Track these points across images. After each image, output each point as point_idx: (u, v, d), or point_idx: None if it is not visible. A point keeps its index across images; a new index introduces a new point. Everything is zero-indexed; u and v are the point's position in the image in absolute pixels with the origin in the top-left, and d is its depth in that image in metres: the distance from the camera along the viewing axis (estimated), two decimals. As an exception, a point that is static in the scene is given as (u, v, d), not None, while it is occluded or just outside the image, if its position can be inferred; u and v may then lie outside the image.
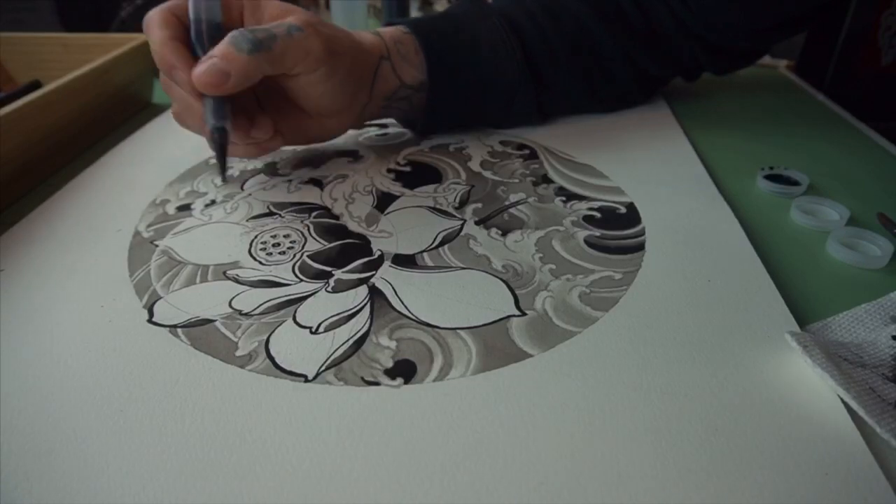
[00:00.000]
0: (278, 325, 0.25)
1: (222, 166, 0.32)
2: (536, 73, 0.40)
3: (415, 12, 0.73)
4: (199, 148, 0.41)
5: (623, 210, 0.33)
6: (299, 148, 0.40)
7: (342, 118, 0.36)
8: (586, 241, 0.30)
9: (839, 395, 0.21)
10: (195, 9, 0.30)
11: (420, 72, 0.37)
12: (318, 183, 0.36)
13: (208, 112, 0.30)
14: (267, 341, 0.24)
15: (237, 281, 0.28)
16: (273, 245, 0.30)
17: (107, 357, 0.23)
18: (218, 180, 0.36)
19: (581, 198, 0.34)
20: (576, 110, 0.44)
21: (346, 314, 0.25)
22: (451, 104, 0.39)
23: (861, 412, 0.20)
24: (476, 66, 0.38)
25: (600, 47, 0.41)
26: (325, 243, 0.30)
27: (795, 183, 0.35)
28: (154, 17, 0.30)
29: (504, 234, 0.31)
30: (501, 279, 0.27)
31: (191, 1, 0.31)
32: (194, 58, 0.30)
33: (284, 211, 0.33)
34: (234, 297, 0.26)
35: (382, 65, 0.36)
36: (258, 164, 0.39)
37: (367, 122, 0.41)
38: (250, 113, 0.33)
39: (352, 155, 0.39)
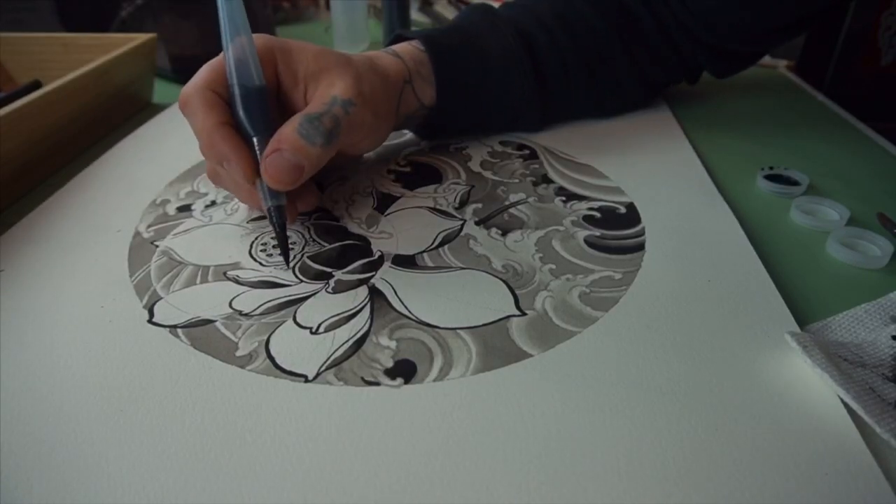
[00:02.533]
0: (278, 326, 0.25)
1: (284, 246, 0.28)
2: (544, 86, 0.40)
3: (415, 13, 0.73)
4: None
5: (623, 210, 0.33)
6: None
7: (372, 146, 0.37)
8: (586, 241, 0.30)
9: (839, 396, 0.21)
10: (239, 80, 0.28)
11: (433, 90, 0.37)
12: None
13: (264, 193, 0.28)
14: (267, 341, 0.24)
15: (237, 282, 0.28)
16: (273, 246, 0.30)
17: (107, 357, 0.23)
18: (279, 261, 0.30)
19: (581, 198, 0.34)
20: (578, 117, 0.44)
21: (346, 314, 0.25)
22: (456, 120, 0.40)
23: (861, 412, 0.20)
24: (486, 85, 0.38)
25: (611, 56, 0.41)
26: (326, 244, 0.30)
27: (795, 183, 0.35)
28: (195, 100, 0.28)
29: (504, 234, 0.31)
30: (501, 279, 0.27)
31: (232, 74, 0.28)
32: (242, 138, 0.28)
33: (284, 211, 0.33)
34: (234, 298, 0.26)
35: (405, 89, 0.36)
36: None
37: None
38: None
39: (352, 155, 0.39)
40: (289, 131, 0.27)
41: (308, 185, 0.31)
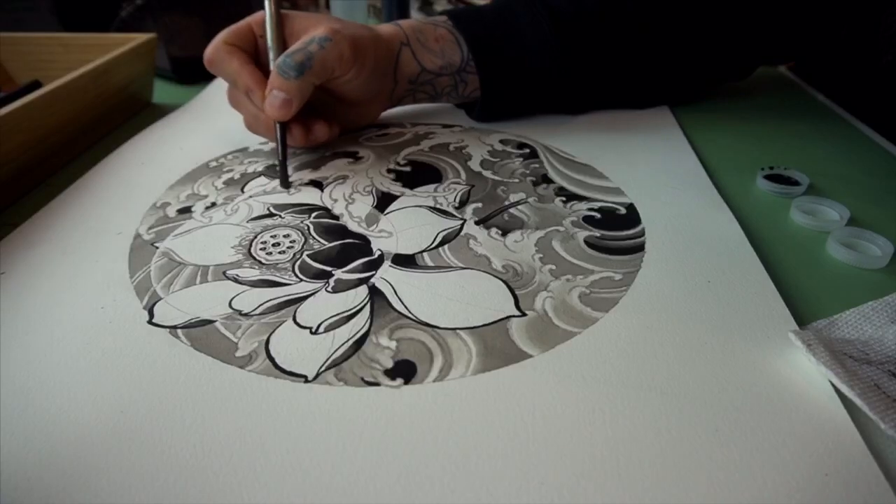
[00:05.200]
0: (278, 326, 0.25)
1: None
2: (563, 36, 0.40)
3: (414, 12, 0.73)
4: (199, 151, 0.41)
5: (623, 211, 0.33)
6: (299, 149, 0.40)
7: (377, 102, 0.41)
8: (586, 242, 0.30)
9: (842, 393, 0.21)
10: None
11: (439, 57, 0.39)
12: (318, 184, 0.36)
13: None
14: (267, 342, 0.24)
15: (237, 281, 0.28)
16: (273, 245, 0.30)
17: (107, 358, 0.23)
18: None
19: (581, 198, 0.34)
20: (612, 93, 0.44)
21: (346, 314, 0.25)
22: (499, 78, 0.41)
23: (865, 409, 0.20)
24: (514, 36, 0.40)
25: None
26: (325, 243, 0.30)
27: (795, 183, 0.35)
28: (220, 53, 0.35)
29: (504, 234, 0.31)
30: (501, 279, 0.27)
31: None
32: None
33: (284, 212, 0.33)
34: (233, 298, 0.26)
35: (403, 51, 0.39)
36: (258, 167, 0.39)
37: (399, 105, 0.44)
38: (308, 119, 0.38)
39: (352, 155, 0.39)
40: (272, 73, 0.34)
41: (315, 119, 0.38)
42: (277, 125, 0.36)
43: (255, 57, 0.37)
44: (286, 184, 0.36)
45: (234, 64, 0.35)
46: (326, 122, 0.38)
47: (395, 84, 0.40)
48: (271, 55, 0.36)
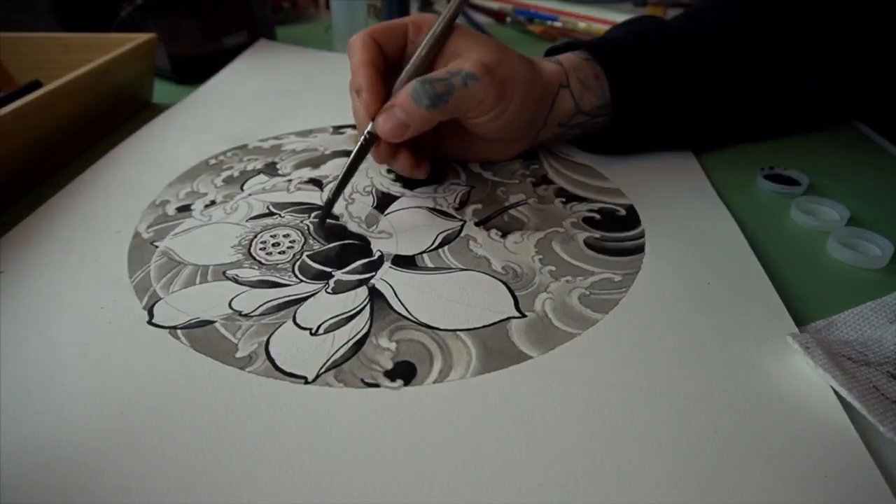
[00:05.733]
0: (278, 327, 0.25)
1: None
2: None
3: (414, 12, 0.73)
4: (198, 148, 0.41)
5: (623, 212, 0.33)
6: (299, 148, 0.40)
7: (516, 143, 0.37)
8: (586, 243, 0.30)
9: (841, 396, 0.21)
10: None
11: (598, 97, 0.36)
12: (317, 183, 0.36)
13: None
14: (267, 343, 0.24)
15: (237, 281, 0.28)
16: (273, 245, 0.30)
17: (107, 359, 0.23)
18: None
19: (581, 199, 0.34)
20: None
21: (345, 315, 0.25)
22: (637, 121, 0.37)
23: (864, 411, 0.20)
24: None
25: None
26: (325, 243, 0.30)
27: (795, 183, 0.35)
28: (357, 42, 0.32)
29: (504, 235, 0.31)
30: (501, 280, 0.27)
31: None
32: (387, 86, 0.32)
33: (284, 211, 0.33)
34: (233, 298, 0.26)
35: (561, 92, 0.35)
36: (258, 164, 0.39)
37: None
38: (419, 150, 0.34)
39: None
40: (404, 91, 0.30)
41: (424, 157, 0.34)
42: (363, 141, 0.31)
43: (399, 59, 0.34)
44: (327, 215, 0.32)
45: (358, 57, 0.32)
46: (428, 162, 0.34)
47: (544, 126, 0.36)
48: (413, 63, 0.32)
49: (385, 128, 0.30)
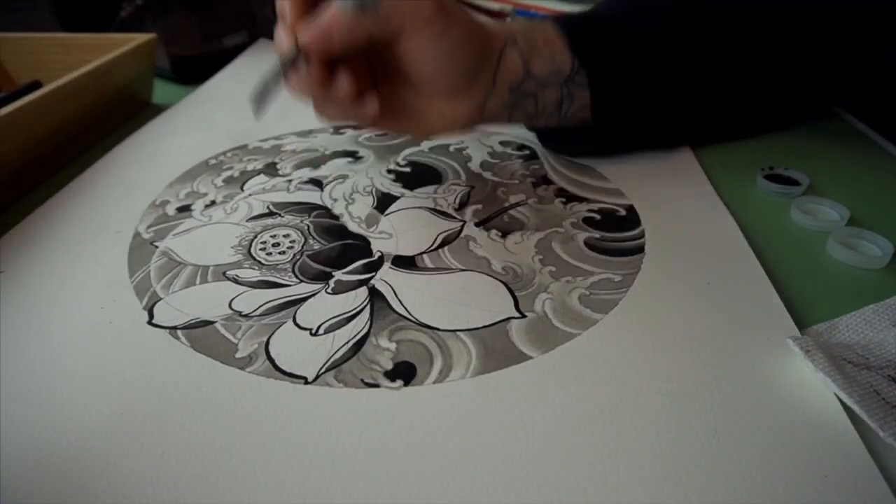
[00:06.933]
0: (278, 327, 0.25)
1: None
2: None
3: None
4: (199, 148, 0.41)
5: (623, 212, 0.33)
6: (299, 148, 0.40)
7: (459, 103, 0.31)
8: (586, 243, 0.30)
9: (841, 399, 0.21)
10: None
11: (547, 64, 0.33)
12: (318, 183, 0.36)
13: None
14: (267, 343, 0.24)
15: (237, 281, 0.28)
16: (273, 245, 0.30)
17: (107, 359, 0.23)
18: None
19: (581, 199, 0.34)
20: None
21: (345, 316, 0.25)
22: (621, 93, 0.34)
23: (864, 416, 0.20)
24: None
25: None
26: (325, 243, 0.30)
27: (795, 183, 0.35)
28: None
29: (504, 235, 0.31)
30: (501, 281, 0.27)
31: None
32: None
33: (284, 211, 0.33)
34: (233, 298, 0.26)
35: (508, 50, 0.32)
36: (258, 164, 0.39)
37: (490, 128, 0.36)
38: (361, 85, 0.30)
39: (352, 155, 0.39)
40: (332, 3, 0.27)
41: (370, 88, 0.30)
42: (289, 55, 0.28)
43: None
44: (259, 107, 0.30)
45: None
46: (378, 100, 0.30)
47: (493, 87, 0.32)
48: None
49: (306, 34, 0.27)
